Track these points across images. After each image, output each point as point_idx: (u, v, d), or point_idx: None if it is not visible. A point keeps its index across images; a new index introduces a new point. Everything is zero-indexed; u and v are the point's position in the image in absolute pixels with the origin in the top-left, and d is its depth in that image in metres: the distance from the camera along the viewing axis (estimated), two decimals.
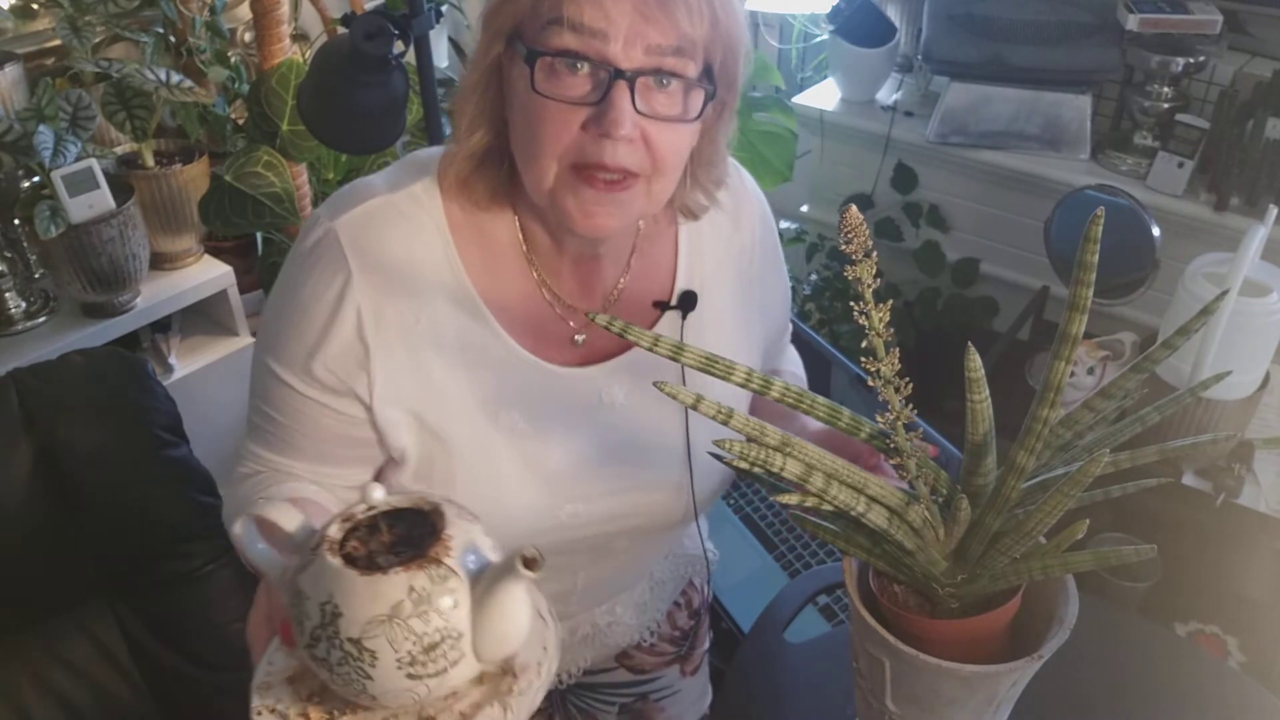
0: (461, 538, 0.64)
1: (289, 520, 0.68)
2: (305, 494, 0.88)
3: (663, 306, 0.94)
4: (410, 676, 0.61)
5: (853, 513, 0.70)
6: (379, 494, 0.66)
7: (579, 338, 0.91)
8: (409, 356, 0.85)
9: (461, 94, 0.83)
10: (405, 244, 0.84)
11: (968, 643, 0.73)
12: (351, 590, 0.60)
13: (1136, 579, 1.63)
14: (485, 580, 0.62)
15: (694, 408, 0.68)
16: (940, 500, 0.74)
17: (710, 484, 0.97)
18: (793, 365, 1.18)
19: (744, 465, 0.69)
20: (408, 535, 0.65)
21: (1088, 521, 0.65)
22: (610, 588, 1.08)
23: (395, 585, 0.60)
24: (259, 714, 0.65)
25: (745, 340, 1.00)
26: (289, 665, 0.67)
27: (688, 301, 0.94)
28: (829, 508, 0.70)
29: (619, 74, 0.74)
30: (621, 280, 0.93)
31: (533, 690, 0.66)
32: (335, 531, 0.64)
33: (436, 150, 0.88)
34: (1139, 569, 1.63)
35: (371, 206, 0.84)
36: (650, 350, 0.67)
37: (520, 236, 0.88)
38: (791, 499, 0.70)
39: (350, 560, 0.62)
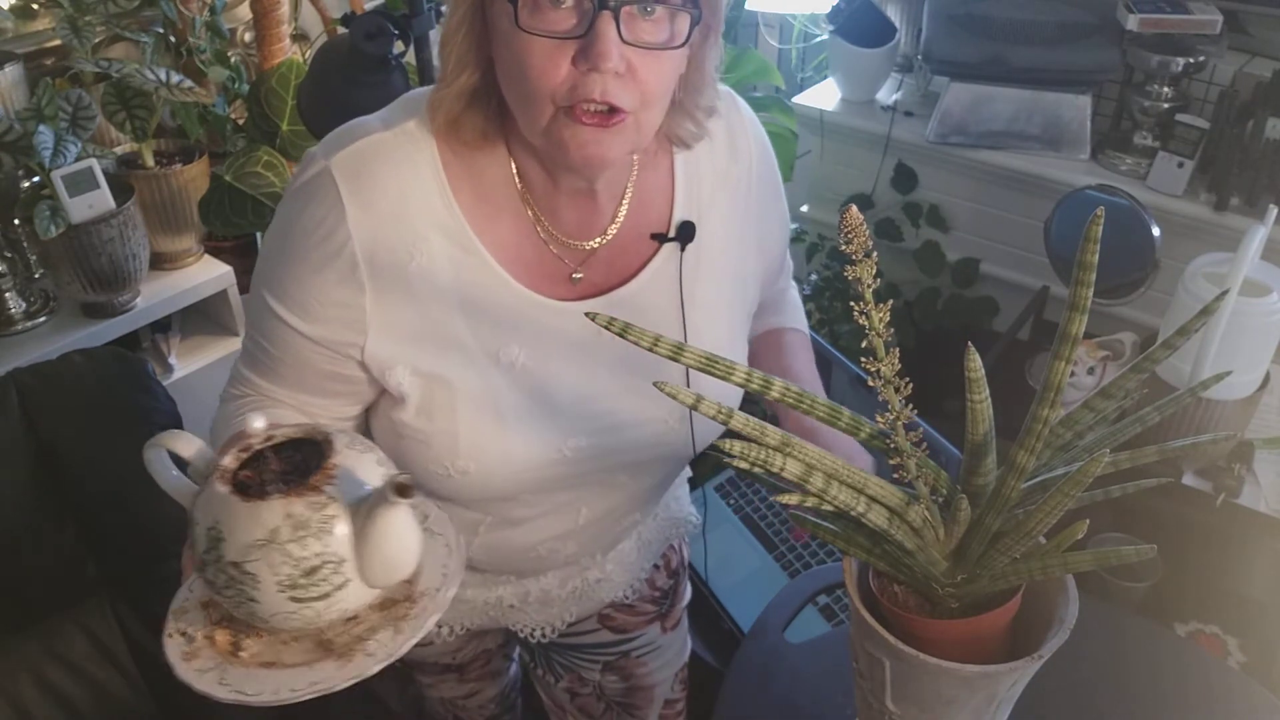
0: (346, 467, 0.66)
1: (186, 448, 0.70)
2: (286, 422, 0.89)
3: (660, 238, 0.93)
4: (293, 600, 0.63)
5: (853, 513, 0.70)
6: (260, 423, 0.68)
7: (576, 275, 0.91)
8: (405, 294, 0.85)
9: (445, 34, 0.82)
10: (399, 181, 0.84)
11: (968, 643, 0.73)
12: (234, 516, 0.63)
13: (1136, 579, 1.63)
14: (365, 508, 0.64)
15: (694, 408, 0.68)
16: (940, 500, 0.74)
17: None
18: (794, 319, 1.16)
19: (744, 465, 0.69)
20: (303, 465, 0.67)
21: (1088, 521, 0.65)
22: (609, 534, 1.08)
23: (273, 511, 0.62)
24: (170, 635, 0.69)
25: (741, 273, 1.00)
26: (205, 592, 0.70)
27: (686, 232, 0.93)
28: (829, 508, 0.71)
29: (603, 3, 0.73)
30: (619, 214, 0.92)
31: (426, 614, 0.69)
32: (230, 460, 0.66)
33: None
34: (1139, 569, 1.63)
35: (366, 144, 0.84)
36: (650, 350, 0.67)
37: (515, 175, 0.87)
38: (791, 499, 0.70)
39: (241, 488, 0.64)
